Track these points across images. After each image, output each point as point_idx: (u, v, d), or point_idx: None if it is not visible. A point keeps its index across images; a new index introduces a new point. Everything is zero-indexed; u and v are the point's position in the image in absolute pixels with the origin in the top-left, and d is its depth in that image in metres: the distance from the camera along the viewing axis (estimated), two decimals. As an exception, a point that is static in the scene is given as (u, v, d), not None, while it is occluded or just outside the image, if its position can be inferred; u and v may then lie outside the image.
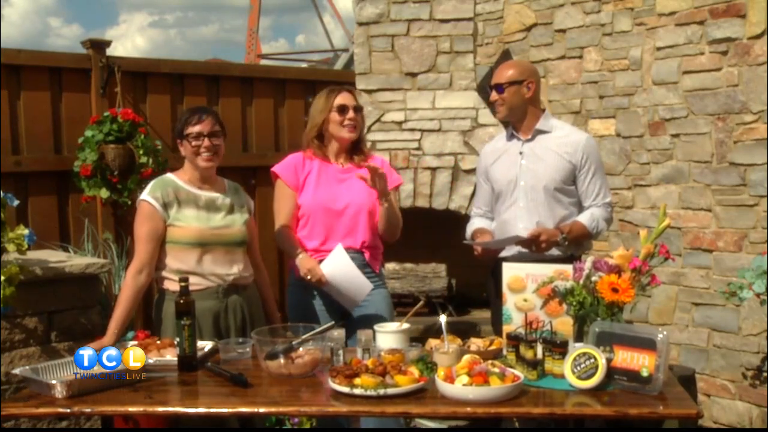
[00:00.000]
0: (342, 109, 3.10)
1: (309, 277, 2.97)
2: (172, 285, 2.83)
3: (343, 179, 3.15)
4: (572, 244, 3.09)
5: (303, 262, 3.01)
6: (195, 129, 2.86)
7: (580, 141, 3.18)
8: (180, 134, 2.88)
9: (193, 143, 2.86)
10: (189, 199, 2.87)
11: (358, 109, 3.14)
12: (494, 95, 3.19)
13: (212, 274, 2.85)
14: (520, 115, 3.20)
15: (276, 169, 3.19)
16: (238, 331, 2.90)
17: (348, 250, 3.07)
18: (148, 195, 2.84)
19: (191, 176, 2.93)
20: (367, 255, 3.15)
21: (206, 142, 2.86)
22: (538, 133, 3.20)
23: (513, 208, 3.19)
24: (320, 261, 3.04)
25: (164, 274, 2.87)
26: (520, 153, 3.21)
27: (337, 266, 2.99)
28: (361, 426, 3.10)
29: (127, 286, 2.81)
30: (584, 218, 3.13)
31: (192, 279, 2.70)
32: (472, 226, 3.36)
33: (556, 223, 3.13)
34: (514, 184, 3.18)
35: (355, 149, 3.20)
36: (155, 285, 2.96)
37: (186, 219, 2.84)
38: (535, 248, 3.02)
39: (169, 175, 2.97)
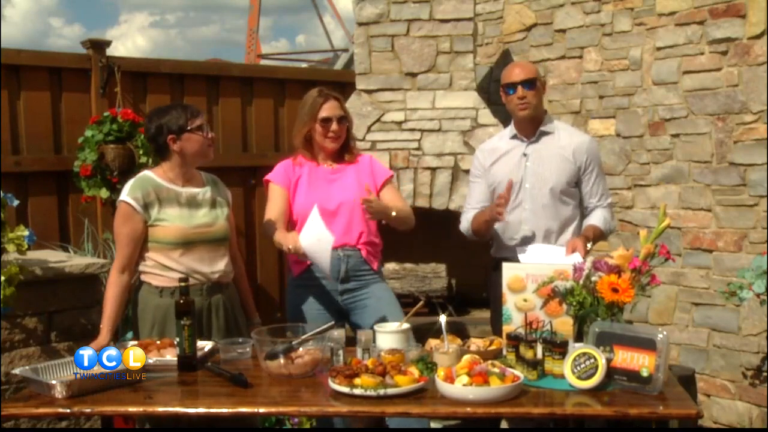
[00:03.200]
0: (326, 121, 3.11)
1: (293, 251, 2.86)
2: (154, 279, 2.84)
3: (333, 179, 3.17)
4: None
5: (287, 239, 2.89)
6: (200, 121, 2.87)
7: (584, 142, 3.20)
8: (180, 130, 2.82)
9: (203, 134, 2.86)
10: (170, 197, 2.85)
11: (342, 119, 3.15)
12: (522, 92, 3.08)
13: (196, 272, 2.84)
14: (539, 112, 3.18)
15: (268, 176, 3.22)
16: (221, 331, 2.88)
17: (344, 247, 3.10)
18: (127, 196, 2.80)
19: (175, 174, 2.89)
20: (363, 252, 3.16)
21: (211, 133, 2.90)
22: (542, 135, 3.18)
23: (517, 210, 3.15)
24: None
25: (147, 269, 2.85)
26: (525, 155, 3.18)
27: (310, 232, 2.88)
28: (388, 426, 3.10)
29: (112, 285, 2.81)
30: (598, 221, 3.13)
31: (175, 276, 2.71)
32: (468, 215, 3.29)
33: (561, 225, 3.13)
34: (519, 186, 3.14)
35: (343, 149, 3.22)
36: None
37: (169, 218, 2.82)
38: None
39: (147, 173, 2.91)
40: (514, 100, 3.11)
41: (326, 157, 3.21)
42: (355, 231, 3.13)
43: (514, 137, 3.24)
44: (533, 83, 3.09)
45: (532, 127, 3.18)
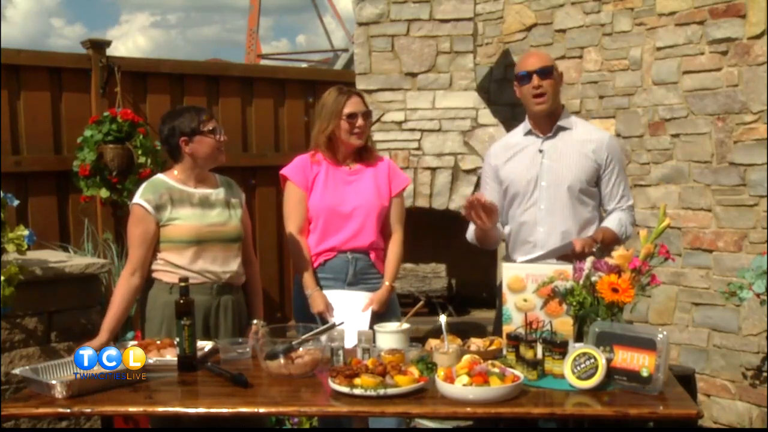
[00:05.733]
0: (351, 117, 3.08)
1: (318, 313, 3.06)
2: (165, 276, 2.84)
3: (350, 181, 3.15)
4: (601, 254, 2.82)
5: (317, 303, 3.06)
6: (212, 124, 2.87)
7: (604, 139, 3.01)
8: (192, 132, 2.82)
9: (216, 137, 2.86)
10: (183, 198, 2.86)
11: (366, 115, 3.13)
12: (537, 81, 2.87)
13: (207, 272, 2.84)
14: (557, 105, 2.97)
15: (285, 171, 3.18)
16: (228, 332, 2.87)
17: (354, 250, 3.11)
18: (140, 198, 2.82)
19: (187, 176, 2.90)
20: (372, 255, 3.17)
21: (223, 136, 2.90)
22: (559, 130, 2.98)
23: (532, 210, 2.98)
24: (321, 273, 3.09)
25: (158, 267, 2.85)
26: (540, 151, 2.98)
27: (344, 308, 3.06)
28: (370, 427, 3.10)
29: (121, 288, 2.81)
30: (613, 224, 2.95)
31: (186, 274, 2.71)
32: (473, 228, 3.11)
33: (580, 227, 2.95)
34: (534, 184, 2.96)
35: (363, 150, 3.19)
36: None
37: (182, 217, 2.82)
38: (576, 261, 2.73)
39: (160, 176, 2.93)
40: (530, 91, 2.91)
41: (346, 156, 3.17)
42: (366, 235, 3.12)
43: (528, 133, 3.04)
44: (549, 72, 2.89)
45: (548, 122, 2.98)
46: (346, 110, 3.08)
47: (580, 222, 2.96)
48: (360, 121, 3.09)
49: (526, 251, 2.96)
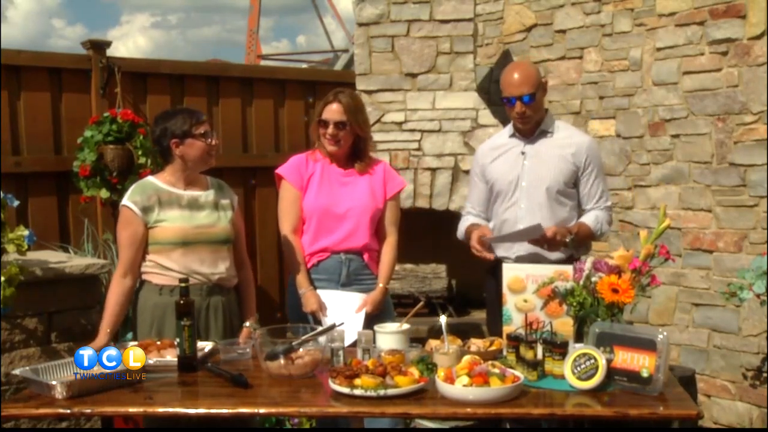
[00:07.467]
0: (323, 124, 3.10)
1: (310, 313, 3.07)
2: (154, 278, 2.84)
3: (345, 183, 3.15)
4: (575, 245, 3.02)
5: (310, 302, 3.07)
6: (205, 127, 2.86)
7: (584, 143, 3.15)
8: (183, 135, 2.82)
9: (207, 141, 2.85)
10: (171, 200, 2.86)
11: (340, 125, 3.08)
12: (521, 107, 3.02)
13: (196, 273, 2.83)
14: (539, 115, 3.13)
15: (281, 171, 3.19)
16: (219, 333, 2.87)
17: (348, 251, 3.11)
18: (127, 200, 2.83)
19: (177, 178, 2.89)
20: (366, 257, 3.17)
21: (215, 140, 2.89)
22: (541, 134, 3.14)
23: (513, 209, 3.12)
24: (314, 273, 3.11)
25: (147, 269, 2.85)
26: (522, 153, 3.13)
27: (336, 307, 3.07)
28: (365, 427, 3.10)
29: (113, 290, 2.81)
30: (589, 220, 3.09)
31: (175, 276, 2.72)
32: (465, 222, 3.27)
33: (558, 225, 3.04)
34: (515, 185, 3.11)
35: (357, 154, 3.19)
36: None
37: (169, 219, 2.82)
38: (546, 246, 2.96)
39: (149, 179, 2.94)
40: (513, 113, 3.07)
41: (337, 157, 3.18)
42: (359, 236, 3.12)
43: (513, 135, 3.19)
44: (533, 97, 3.02)
45: (531, 127, 3.13)
46: (321, 116, 3.11)
47: (558, 221, 3.07)
48: (331, 129, 3.08)
49: (506, 247, 3.12)
